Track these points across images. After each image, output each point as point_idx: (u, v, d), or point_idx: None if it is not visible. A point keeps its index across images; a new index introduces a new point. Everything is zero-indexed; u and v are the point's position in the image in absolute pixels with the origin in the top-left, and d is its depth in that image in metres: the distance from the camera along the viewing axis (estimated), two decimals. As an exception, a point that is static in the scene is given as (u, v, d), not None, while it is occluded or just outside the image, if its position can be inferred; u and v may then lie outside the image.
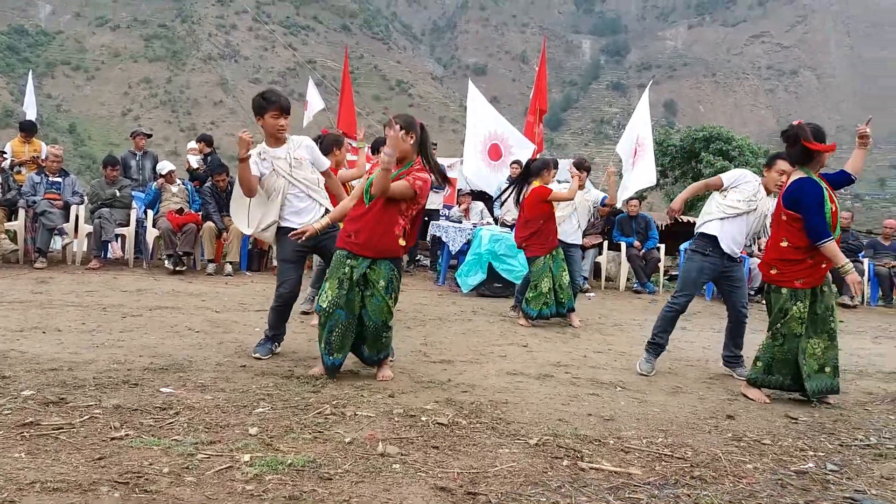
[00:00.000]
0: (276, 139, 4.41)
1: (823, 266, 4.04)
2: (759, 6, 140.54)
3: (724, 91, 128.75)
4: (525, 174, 6.74)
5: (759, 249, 8.99)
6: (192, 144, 10.57)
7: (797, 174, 4.07)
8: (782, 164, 4.67)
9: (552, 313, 6.58)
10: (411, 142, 3.96)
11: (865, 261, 9.93)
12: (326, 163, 4.74)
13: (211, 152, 10.23)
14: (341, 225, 4.16)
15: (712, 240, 4.74)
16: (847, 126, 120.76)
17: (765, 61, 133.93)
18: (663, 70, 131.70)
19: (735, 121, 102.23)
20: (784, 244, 4.07)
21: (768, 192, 4.82)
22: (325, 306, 3.89)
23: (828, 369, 4.08)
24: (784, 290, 4.08)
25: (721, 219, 4.73)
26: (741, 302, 4.83)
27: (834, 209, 4.00)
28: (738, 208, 4.71)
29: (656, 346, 4.80)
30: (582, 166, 7.16)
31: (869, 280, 9.85)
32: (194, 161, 9.97)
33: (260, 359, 4.33)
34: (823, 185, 4.01)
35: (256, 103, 4.36)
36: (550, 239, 6.57)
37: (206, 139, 10.40)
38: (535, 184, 6.58)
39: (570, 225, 7.11)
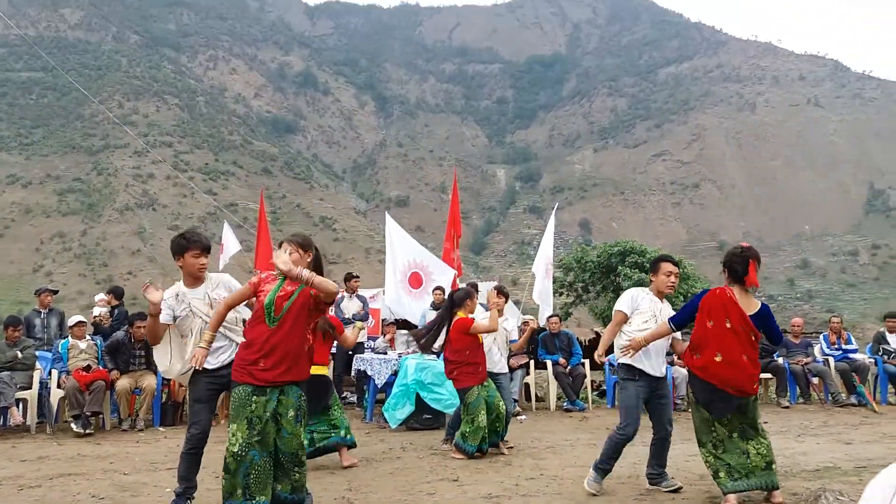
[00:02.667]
0: (195, 279, 4.33)
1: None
2: (657, 128, 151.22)
3: (634, 207, 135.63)
4: (449, 305, 6.67)
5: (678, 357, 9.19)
6: (101, 296, 10.21)
7: (753, 299, 4.49)
8: (668, 266, 4.85)
9: (489, 446, 6.40)
10: (308, 260, 3.97)
11: (780, 359, 10.27)
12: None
13: (118, 305, 9.89)
14: None
15: (638, 370, 4.77)
16: (752, 231, 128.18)
17: (668, 177, 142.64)
18: (575, 191, 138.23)
19: (648, 234, 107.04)
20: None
21: (662, 297, 4.93)
22: (236, 450, 3.66)
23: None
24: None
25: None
26: (668, 419, 4.87)
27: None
28: (647, 330, 4.75)
29: (604, 471, 4.75)
30: (502, 292, 7.23)
31: (786, 380, 10.15)
32: (97, 311, 9.55)
33: None
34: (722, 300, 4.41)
35: (176, 244, 4.29)
36: (481, 369, 6.42)
37: (116, 292, 10.08)
38: (459, 314, 6.51)
39: (494, 353, 6.98)
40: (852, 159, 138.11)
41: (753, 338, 4.33)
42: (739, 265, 4.38)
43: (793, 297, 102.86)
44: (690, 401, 4.68)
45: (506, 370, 7.30)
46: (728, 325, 4.31)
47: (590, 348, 11.29)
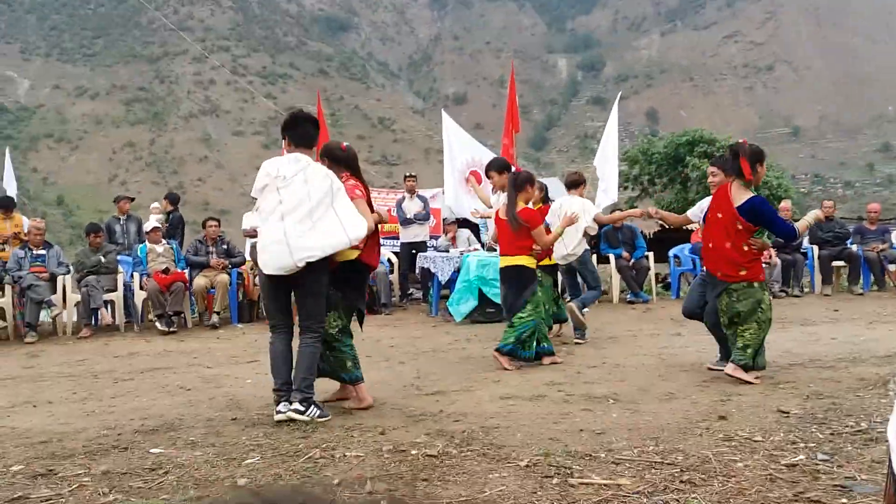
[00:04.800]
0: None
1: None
2: (728, 7, 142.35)
3: (704, 93, 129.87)
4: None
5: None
6: (156, 204, 10.47)
7: (746, 192, 4.64)
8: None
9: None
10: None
11: (854, 247, 9.97)
12: None
13: (174, 210, 10.19)
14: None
15: None
16: (829, 115, 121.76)
17: (740, 60, 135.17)
18: (641, 79, 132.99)
19: (718, 122, 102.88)
20: (746, 248, 4.65)
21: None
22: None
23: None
24: (756, 284, 4.66)
25: None
26: None
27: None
28: None
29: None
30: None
31: (860, 267, 9.88)
32: (154, 220, 9.73)
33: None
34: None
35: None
36: None
37: (171, 197, 10.35)
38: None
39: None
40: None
41: (740, 227, 4.61)
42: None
43: (871, 183, 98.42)
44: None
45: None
46: (719, 216, 4.74)
47: (653, 241, 11.19)
